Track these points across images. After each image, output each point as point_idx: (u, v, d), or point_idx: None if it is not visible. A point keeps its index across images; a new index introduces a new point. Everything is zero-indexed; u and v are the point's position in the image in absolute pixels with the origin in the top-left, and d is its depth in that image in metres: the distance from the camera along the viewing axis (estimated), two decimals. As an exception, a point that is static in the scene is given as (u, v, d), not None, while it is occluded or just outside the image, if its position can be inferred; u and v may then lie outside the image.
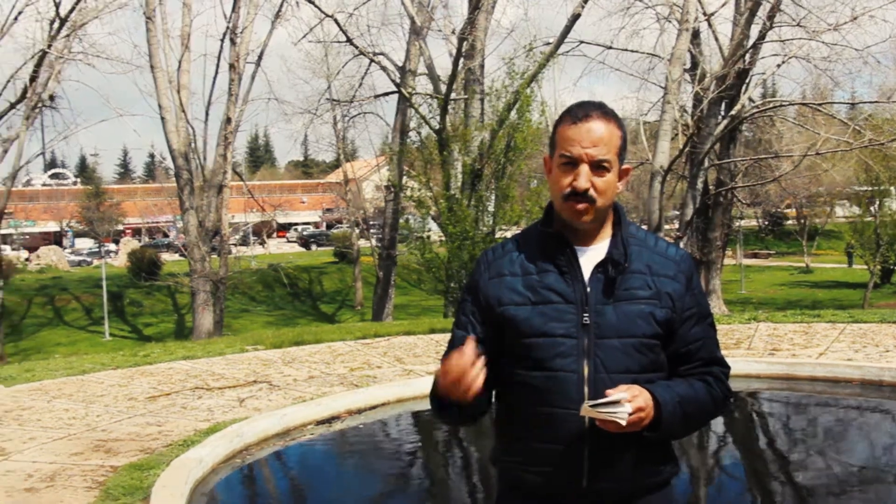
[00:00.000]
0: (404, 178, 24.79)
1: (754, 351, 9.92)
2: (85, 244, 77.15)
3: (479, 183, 20.47)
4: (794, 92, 29.97)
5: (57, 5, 19.99)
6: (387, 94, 29.89)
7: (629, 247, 2.51)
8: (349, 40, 25.17)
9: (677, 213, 29.56)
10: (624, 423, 2.27)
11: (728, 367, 2.63)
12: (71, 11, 20.37)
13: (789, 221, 65.50)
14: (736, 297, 39.05)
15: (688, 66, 24.98)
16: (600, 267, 2.48)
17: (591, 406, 2.29)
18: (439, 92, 23.30)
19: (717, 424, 7.87)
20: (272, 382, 9.31)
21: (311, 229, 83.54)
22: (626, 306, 2.46)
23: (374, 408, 8.38)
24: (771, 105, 27.62)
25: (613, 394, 2.30)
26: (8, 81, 22.17)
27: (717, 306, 25.81)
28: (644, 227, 2.84)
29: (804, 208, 56.48)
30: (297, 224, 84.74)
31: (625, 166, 2.53)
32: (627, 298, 2.46)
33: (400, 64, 27.33)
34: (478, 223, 20.21)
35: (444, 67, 25.55)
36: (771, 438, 8.04)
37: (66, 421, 7.78)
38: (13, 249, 68.10)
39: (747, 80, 25.31)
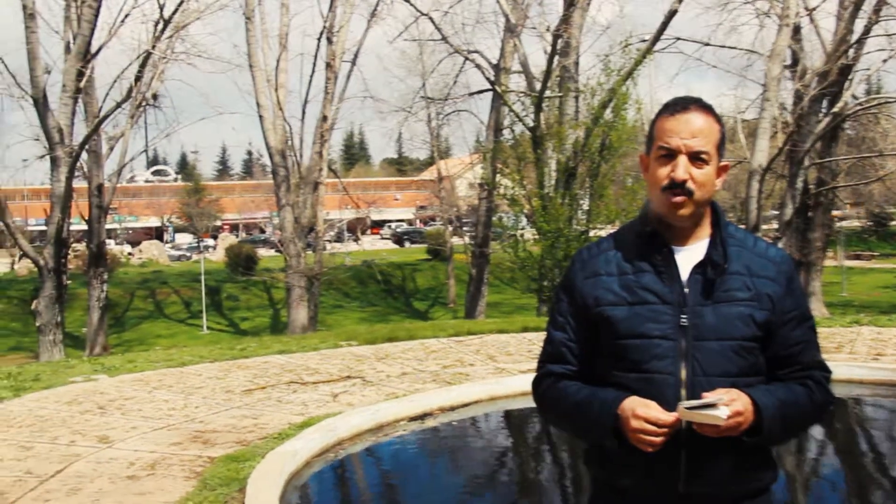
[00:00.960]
0: (498, 176, 24.79)
1: (857, 355, 9.64)
2: (184, 239, 79.12)
3: (573, 181, 20.34)
4: (901, 88, 29.00)
5: (161, 7, 20.43)
6: (481, 91, 29.91)
7: (728, 247, 2.46)
8: (444, 38, 25.29)
9: (776, 212, 28.93)
10: (722, 425, 2.22)
11: (829, 372, 2.55)
12: (174, 13, 20.80)
13: (894, 222, 63.45)
14: (837, 299, 37.96)
15: (788, 62, 24.41)
16: (699, 268, 2.44)
17: (686, 408, 2.25)
18: (533, 90, 23.22)
19: (818, 431, 7.67)
20: (365, 378, 9.39)
21: (405, 226, 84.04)
22: (724, 308, 2.41)
23: (466, 405, 8.37)
24: (876, 102, 26.87)
25: (710, 396, 2.26)
26: (114, 81, 22.77)
27: (817, 309, 25.16)
28: (741, 226, 2.78)
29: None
30: (390, 221, 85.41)
31: (723, 163, 2.49)
32: (726, 300, 2.41)
33: (494, 62, 27.33)
34: (571, 221, 20.08)
35: (538, 65, 25.48)
36: (874, 446, 7.81)
37: (166, 411, 7.97)
38: (117, 244, 70.20)
39: (850, 77, 24.60)
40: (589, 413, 2.43)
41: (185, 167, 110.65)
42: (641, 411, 2.29)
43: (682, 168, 2.38)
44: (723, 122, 2.50)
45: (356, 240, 64.25)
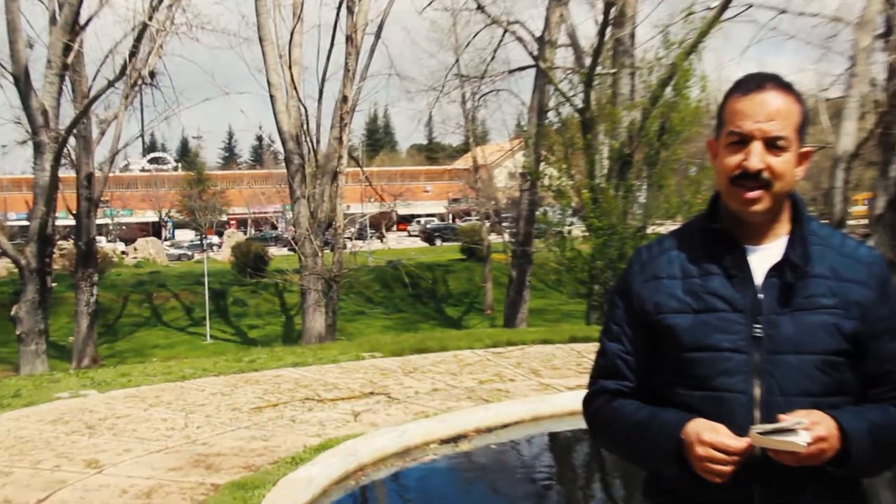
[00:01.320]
0: (542, 165, 24.75)
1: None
2: (186, 236, 79.56)
3: (628, 170, 20.24)
4: None
5: (159, -28, 20.62)
6: (522, 68, 29.85)
7: (810, 246, 2.42)
8: (480, 7, 25.29)
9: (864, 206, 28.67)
10: (802, 452, 2.19)
11: (932, 392, 2.50)
12: (174, -22, 20.99)
13: None
14: (936, 306, 37.55)
15: (880, 31, 24.15)
16: (776, 270, 2.40)
17: (760, 433, 2.22)
18: (583, 66, 23.15)
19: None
20: (391, 395, 9.40)
21: (436, 222, 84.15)
22: (805, 316, 2.36)
23: (506, 426, 8.36)
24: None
25: (788, 419, 2.22)
26: (106, 56, 22.93)
27: (912, 318, 24.87)
28: (825, 222, 2.75)
29: None
30: (419, 216, 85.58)
31: (805, 149, 2.44)
32: (807, 307, 2.37)
33: (538, 34, 27.24)
34: (626, 216, 19.99)
35: (588, 37, 25.40)
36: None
37: (164, 432, 8.01)
38: (109, 241, 70.69)
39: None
40: (647, 436, 2.40)
41: (186, 154, 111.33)
42: (708, 436, 2.26)
43: (757, 156, 2.34)
44: (804, 101, 2.46)
45: (380, 237, 64.54)
